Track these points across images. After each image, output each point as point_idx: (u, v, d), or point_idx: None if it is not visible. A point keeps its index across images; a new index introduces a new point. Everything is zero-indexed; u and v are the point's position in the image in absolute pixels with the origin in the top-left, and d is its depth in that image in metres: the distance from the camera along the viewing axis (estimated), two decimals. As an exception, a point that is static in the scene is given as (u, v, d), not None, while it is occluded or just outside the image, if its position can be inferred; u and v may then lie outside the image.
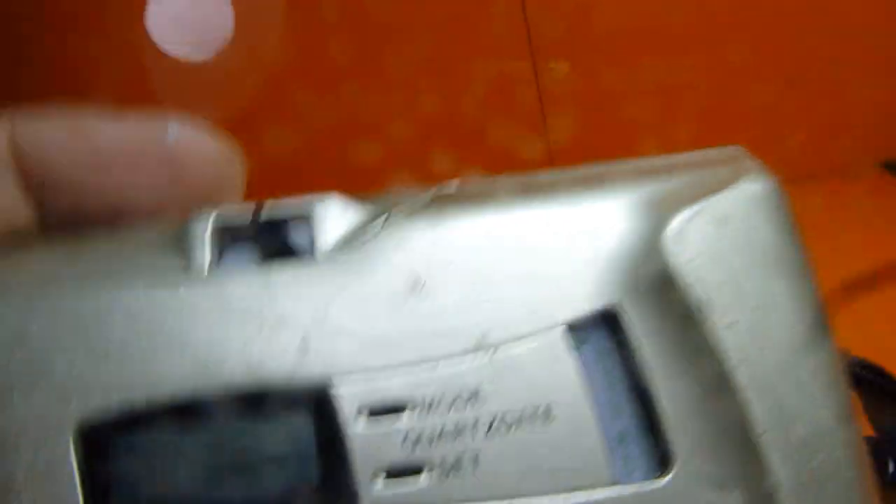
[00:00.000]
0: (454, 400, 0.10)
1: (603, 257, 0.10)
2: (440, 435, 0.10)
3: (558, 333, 0.10)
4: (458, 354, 0.10)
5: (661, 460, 0.10)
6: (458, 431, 0.10)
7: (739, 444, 0.10)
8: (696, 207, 0.10)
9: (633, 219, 0.10)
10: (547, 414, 0.10)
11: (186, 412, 0.10)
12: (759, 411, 0.10)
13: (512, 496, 0.10)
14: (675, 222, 0.10)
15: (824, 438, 0.10)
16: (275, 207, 0.11)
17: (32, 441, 0.09)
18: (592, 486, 0.10)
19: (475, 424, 0.10)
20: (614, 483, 0.10)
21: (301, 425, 0.10)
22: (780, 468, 0.10)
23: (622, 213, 0.10)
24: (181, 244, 0.10)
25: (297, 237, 0.11)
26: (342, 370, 0.10)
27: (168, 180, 0.13)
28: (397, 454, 0.10)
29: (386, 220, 0.10)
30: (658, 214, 0.10)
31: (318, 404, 0.10)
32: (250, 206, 0.11)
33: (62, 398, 0.09)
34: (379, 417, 0.10)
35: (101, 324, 0.10)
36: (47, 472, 0.09)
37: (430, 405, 0.10)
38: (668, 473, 0.10)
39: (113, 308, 0.10)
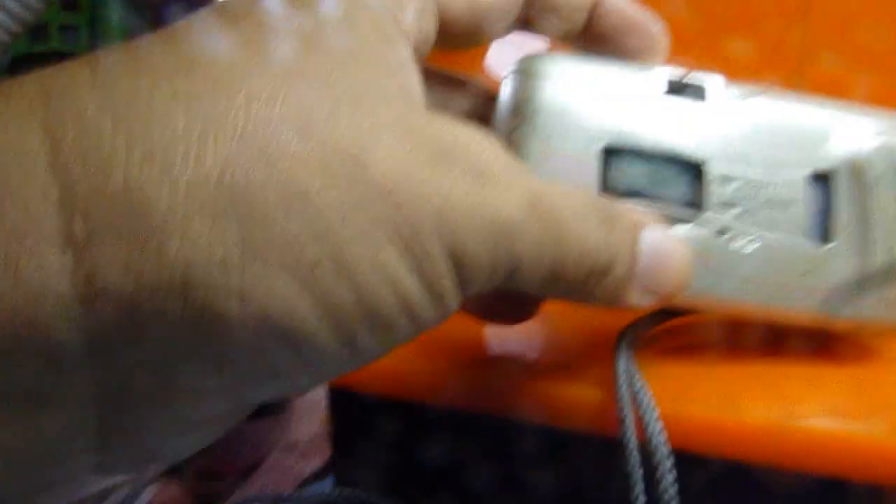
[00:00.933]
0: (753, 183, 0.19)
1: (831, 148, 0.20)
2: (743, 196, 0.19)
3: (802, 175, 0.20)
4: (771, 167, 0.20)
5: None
6: (747, 196, 0.19)
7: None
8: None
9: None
10: (788, 204, 0.20)
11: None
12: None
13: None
14: None
15: None
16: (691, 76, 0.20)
17: None
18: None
19: (763, 197, 0.19)
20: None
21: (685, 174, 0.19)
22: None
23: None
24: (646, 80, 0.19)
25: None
26: (711, 157, 0.19)
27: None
28: (725, 199, 0.19)
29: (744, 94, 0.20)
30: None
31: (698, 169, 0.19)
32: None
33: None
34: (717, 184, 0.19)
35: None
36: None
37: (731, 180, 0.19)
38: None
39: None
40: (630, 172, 0.19)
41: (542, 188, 0.15)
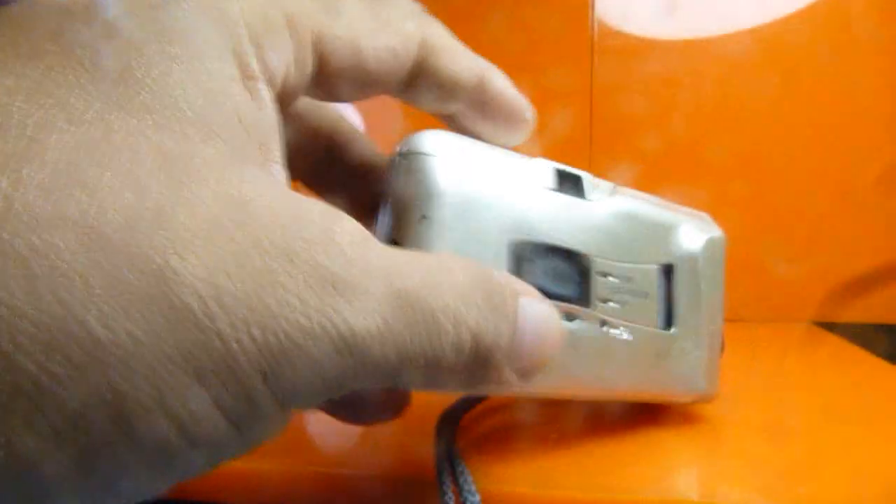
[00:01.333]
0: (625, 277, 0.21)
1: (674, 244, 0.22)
2: (616, 289, 0.21)
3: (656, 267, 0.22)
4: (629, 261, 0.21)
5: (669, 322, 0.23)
6: (619, 289, 0.21)
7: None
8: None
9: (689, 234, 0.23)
10: (646, 295, 0.22)
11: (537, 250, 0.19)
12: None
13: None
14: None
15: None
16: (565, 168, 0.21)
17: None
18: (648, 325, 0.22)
19: (629, 290, 0.21)
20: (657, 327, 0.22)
21: (575, 268, 0.20)
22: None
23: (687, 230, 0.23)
24: (535, 171, 0.20)
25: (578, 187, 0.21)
26: (594, 253, 0.20)
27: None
28: (605, 293, 0.21)
29: (609, 191, 0.21)
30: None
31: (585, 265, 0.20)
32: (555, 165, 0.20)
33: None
34: (601, 277, 0.21)
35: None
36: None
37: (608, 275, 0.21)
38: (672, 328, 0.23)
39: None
40: (534, 266, 0.19)
41: (410, 280, 0.14)
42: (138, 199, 0.11)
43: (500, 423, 0.24)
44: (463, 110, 0.20)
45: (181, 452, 0.12)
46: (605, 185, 0.21)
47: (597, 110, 0.52)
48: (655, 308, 0.22)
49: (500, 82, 0.20)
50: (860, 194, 0.50)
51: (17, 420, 0.10)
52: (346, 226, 0.13)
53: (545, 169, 0.20)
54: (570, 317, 0.20)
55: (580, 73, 0.52)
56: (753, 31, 0.52)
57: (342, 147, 0.22)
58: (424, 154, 0.18)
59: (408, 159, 0.18)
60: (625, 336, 0.21)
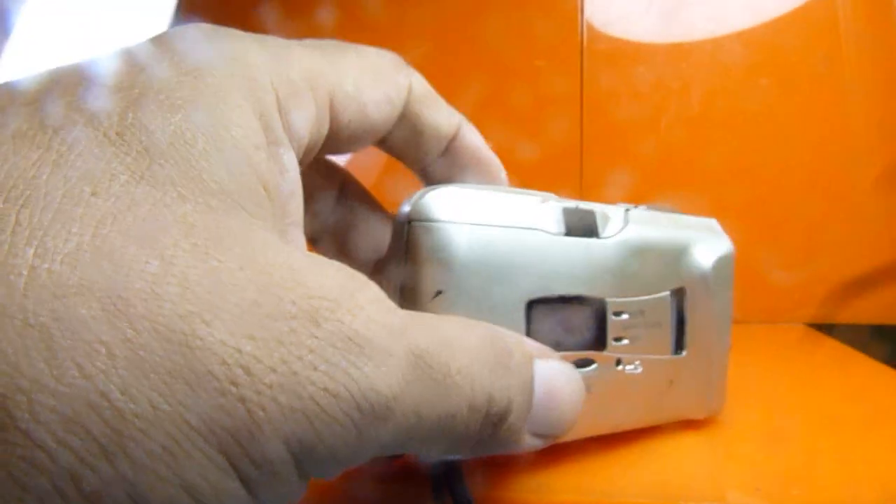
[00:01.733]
0: (637, 312, 0.21)
1: (685, 267, 0.22)
2: (629, 325, 0.21)
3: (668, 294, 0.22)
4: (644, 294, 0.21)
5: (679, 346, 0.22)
6: (632, 324, 0.21)
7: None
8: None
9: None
10: (660, 324, 0.21)
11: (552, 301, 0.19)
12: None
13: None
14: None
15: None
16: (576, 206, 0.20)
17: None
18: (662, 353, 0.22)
19: (642, 323, 0.21)
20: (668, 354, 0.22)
21: (590, 314, 0.20)
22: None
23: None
24: (545, 218, 0.19)
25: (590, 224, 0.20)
26: (609, 294, 0.20)
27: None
28: (618, 332, 0.20)
29: (625, 218, 0.21)
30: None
31: (600, 308, 0.20)
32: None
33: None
34: (615, 317, 0.20)
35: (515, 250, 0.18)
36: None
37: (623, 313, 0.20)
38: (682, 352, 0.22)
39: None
40: (551, 322, 0.19)
41: (427, 341, 0.14)
42: (163, 268, 0.11)
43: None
44: (438, 161, 0.20)
45: None
46: (617, 212, 0.21)
47: (587, 116, 0.52)
48: (668, 335, 0.22)
49: (475, 136, 0.21)
50: (855, 197, 0.50)
51: (34, 501, 0.10)
52: (367, 287, 0.13)
53: (554, 212, 0.19)
54: (586, 363, 0.20)
55: (570, 79, 0.52)
56: (746, 34, 0.52)
57: (350, 202, 0.22)
58: (436, 221, 0.17)
59: (419, 227, 0.17)
60: (638, 371, 0.21)
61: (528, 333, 0.18)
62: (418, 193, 0.18)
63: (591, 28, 0.53)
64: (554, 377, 0.17)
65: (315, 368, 0.12)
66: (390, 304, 0.14)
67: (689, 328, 0.22)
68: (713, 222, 0.24)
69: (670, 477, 0.21)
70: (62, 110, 0.12)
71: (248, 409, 0.11)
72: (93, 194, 0.11)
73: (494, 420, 0.15)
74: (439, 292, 0.17)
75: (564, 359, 0.18)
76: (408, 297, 0.17)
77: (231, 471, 0.11)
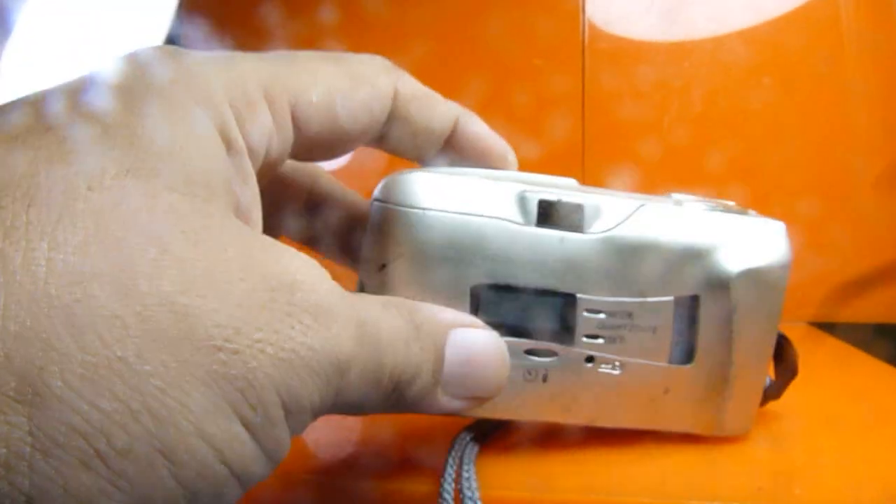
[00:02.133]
0: (622, 313, 0.20)
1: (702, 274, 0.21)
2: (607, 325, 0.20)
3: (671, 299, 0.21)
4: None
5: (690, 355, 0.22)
6: (612, 325, 0.20)
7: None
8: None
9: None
10: (654, 329, 0.21)
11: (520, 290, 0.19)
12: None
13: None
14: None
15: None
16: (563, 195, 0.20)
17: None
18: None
19: (628, 325, 0.20)
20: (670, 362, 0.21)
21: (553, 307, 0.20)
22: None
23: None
24: (514, 208, 0.19)
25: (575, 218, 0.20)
26: (580, 290, 0.20)
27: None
28: (593, 330, 0.20)
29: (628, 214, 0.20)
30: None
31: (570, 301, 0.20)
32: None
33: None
34: (589, 314, 0.20)
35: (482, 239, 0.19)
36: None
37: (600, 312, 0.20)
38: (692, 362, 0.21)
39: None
40: (502, 307, 0.20)
41: (367, 314, 0.16)
42: (161, 253, 0.13)
43: (499, 426, 0.24)
44: (440, 155, 0.21)
45: (224, 483, 0.13)
46: (623, 207, 0.20)
47: (589, 115, 0.52)
48: (665, 342, 0.21)
49: (476, 126, 0.21)
50: (858, 195, 0.50)
51: (73, 460, 0.11)
52: (324, 271, 0.16)
53: (527, 203, 0.19)
54: (546, 353, 0.20)
55: (572, 78, 0.52)
56: (748, 33, 0.52)
57: (321, 202, 0.23)
58: (389, 203, 0.19)
59: (376, 207, 0.19)
60: (616, 372, 0.21)
61: (476, 315, 0.19)
62: (387, 177, 0.19)
63: (592, 27, 0.53)
64: (472, 344, 0.18)
65: (293, 328, 0.14)
66: (339, 286, 0.16)
67: (700, 339, 0.21)
68: (779, 226, 0.22)
69: (671, 476, 0.21)
70: (53, 112, 0.14)
71: (243, 360, 0.13)
72: (89, 189, 0.13)
73: (403, 386, 0.17)
74: (383, 265, 0.19)
75: (516, 345, 0.20)
76: (362, 266, 0.19)
77: (234, 416, 0.13)
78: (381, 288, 0.19)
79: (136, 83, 0.15)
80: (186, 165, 0.14)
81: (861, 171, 0.50)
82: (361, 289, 0.20)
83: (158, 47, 0.16)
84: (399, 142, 0.20)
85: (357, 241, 0.22)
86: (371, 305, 0.16)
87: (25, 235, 0.12)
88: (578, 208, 0.20)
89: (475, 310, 0.19)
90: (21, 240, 0.12)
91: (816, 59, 0.51)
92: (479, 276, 0.19)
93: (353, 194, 0.24)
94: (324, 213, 0.23)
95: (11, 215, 0.12)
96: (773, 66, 0.52)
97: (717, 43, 0.52)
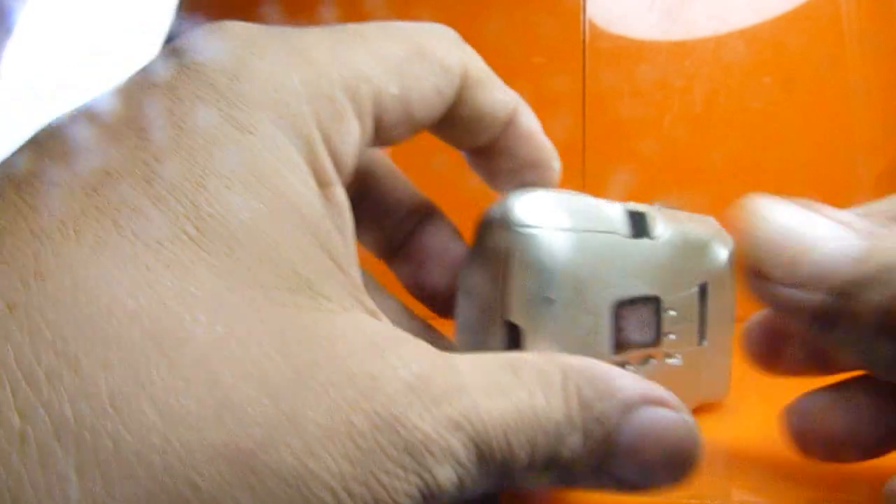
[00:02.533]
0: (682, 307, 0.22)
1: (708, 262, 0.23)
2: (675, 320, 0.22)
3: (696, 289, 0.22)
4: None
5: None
6: (676, 319, 0.22)
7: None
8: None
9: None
10: (691, 318, 0.23)
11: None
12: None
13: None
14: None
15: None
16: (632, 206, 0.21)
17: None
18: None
19: (681, 317, 0.22)
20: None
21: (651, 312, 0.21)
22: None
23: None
24: (615, 220, 0.20)
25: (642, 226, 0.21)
26: (662, 292, 0.21)
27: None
28: (668, 327, 0.22)
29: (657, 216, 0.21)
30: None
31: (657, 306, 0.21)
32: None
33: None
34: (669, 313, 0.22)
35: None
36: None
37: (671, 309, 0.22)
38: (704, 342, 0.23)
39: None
40: (628, 323, 0.21)
41: (492, 432, 0.14)
42: (274, 404, 0.12)
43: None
44: (490, 146, 0.19)
45: None
46: (655, 212, 0.22)
47: (589, 114, 0.52)
48: (696, 327, 0.23)
49: (531, 122, 0.19)
50: (858, 194, 0.50)
51: None
52: (436, 371, 0.14)
53: (620, 214, 0.20)
54: (646, 360, 0.22)
55: (572, 77, 0.52)
56: (749, 32, 0.52)
57: (373, 187, 0.21)
58: (534, 228, 0.18)
59: (518, 234, 0.18)
60: (679, 363, 0.22)
61: (615, 336, 0.20)
62: (511, 198, 0.18)
63: (593, 26, 0.53)
64: (659, 430, 0.15)
65: (397, 478, 0.13)
66: (453, 385, 0.14)
67: (710, 320, 0.24)
68: (711, 220, 0.25)
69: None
70: (121, 199, 0.12)
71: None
72: (193, 323, 0.12)
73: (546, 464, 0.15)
74: (547, 299, 0.18)
75: (630, 358, 0.21)
76: (515, 307, 0.18)
77: None
78: (545, 323, 0.18)
79: (214, 118, 0.13)
80: (282, 256, 0.13)
81: (862, 170, 0.50)
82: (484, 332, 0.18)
83: (216, 30, 0.14)
84: (454, 127, 0.18)
85: (402, 232, 0.20)
86: (504, 411, 0.14)
87: (139, 392, 0.11)
88: (644, 216, 0.21)
89: (614, 329, 0.20)
90: (134, 412, 0.11)
91: (818, 59, 0.51)
92: (615, 293, 0.20)
93: (405, 182, 0.22)
94: (373, 202, 0.21)
95: None
96: (775, 66, 0.52)
97: (719, 42, 0.52)
